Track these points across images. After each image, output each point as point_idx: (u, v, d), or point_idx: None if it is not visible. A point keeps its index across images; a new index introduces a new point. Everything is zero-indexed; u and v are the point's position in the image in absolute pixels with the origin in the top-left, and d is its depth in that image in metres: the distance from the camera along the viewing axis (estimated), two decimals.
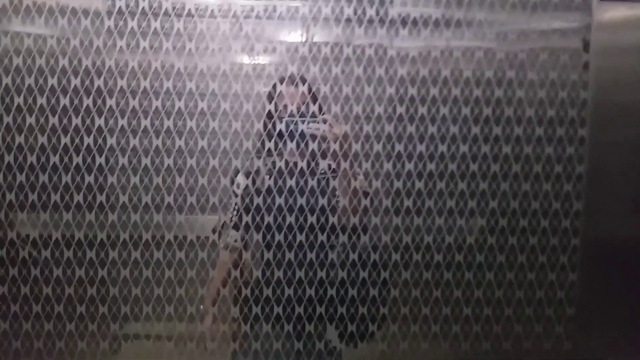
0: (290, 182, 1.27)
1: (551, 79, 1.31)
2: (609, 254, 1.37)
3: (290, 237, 1.28)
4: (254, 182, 1.29)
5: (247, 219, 1.28)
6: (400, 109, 1.28)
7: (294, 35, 1.26)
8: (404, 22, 1.27)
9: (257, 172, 1.29)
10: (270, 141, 1.25)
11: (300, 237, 1.28)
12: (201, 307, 1.30)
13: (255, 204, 1.27)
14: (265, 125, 1.25)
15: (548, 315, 1.36)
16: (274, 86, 1.26)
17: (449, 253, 1.32)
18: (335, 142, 1.24)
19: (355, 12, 1.25)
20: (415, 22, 1.27)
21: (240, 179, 1.30)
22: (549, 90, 1.31)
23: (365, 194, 1.28)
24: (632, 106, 1.35)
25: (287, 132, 1.25)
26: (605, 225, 1.37)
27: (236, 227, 1.31)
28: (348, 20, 1.25)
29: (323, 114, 1.26)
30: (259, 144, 1.26)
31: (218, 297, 1.32)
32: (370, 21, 1.25)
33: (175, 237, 1.26)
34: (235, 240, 1.32)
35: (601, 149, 1.34)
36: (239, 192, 1.30)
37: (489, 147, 1.31)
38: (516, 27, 1.31)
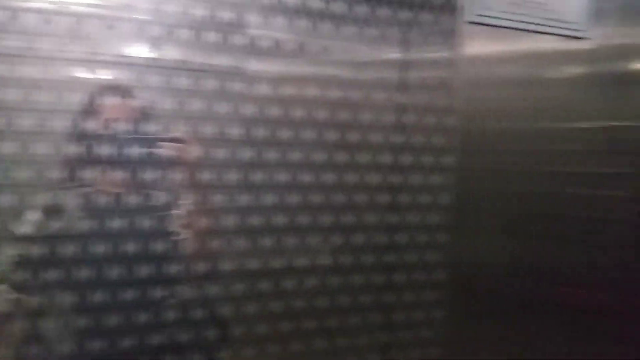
0: (117, 222, 0.98)
1: (420, 104, 1.22)
2: (478, 288, 1.32)
3: (115, 295, 0.98)
4: (61, 222, 0.97)
5: (50, 273, 0.94)
6: (261, 132, 1.08)
7: (130, 40, 1.00)
8: (265, 38, 1.08)
9: (63, 209, 0.97)
10: (88, 167, 0.97)
11: (129, 294, 0.99)
12: None
13: (60, 253, 0.94)
14: (83, 146, 0.96)
15: None
16: (99, 98, 0.98)
17: (312, 297, 1.15)
18: (186, 168, 1.01)
19: (210, 18, 1.03)
20: (276, 41, 1.09)
21: (36, 217, 0.96)
22: (417, 116, 1.22)
23: (216, 233, 1.06)
24: (500, 134, 1.33)
25: (117, 154, 0.98)
26: (473, 257, 1.31)
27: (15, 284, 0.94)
28: (202, 23, 1.03)
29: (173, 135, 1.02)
30: (69, 171, 0.95)
31: None
32: (228, 26, 1.05)
33: None
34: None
35: (469, 177, 1.28)
36: (35, 233, 0.95)
37: (355, 175, 1.17)
38: (382, 53, 1.20)
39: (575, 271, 1.44)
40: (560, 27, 1.34)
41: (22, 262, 0.95)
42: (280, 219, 1.11)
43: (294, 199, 1.12)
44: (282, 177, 1.11)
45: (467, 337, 1.31)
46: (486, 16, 1.26)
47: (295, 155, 1.12)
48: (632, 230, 1.48)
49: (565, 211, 1.41)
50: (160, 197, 1.02)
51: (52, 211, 0.96)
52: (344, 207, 1.16)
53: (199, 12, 1.03)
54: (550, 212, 1.40)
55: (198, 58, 1.02)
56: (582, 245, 1.44)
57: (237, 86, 1.05)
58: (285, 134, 1.11)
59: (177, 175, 1.03)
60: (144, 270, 1.00)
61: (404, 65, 1.22)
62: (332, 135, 1.14)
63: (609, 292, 1.47)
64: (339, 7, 1.14)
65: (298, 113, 1.12)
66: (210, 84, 1.03)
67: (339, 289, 1.17)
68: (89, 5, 0.97)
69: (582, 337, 1.44)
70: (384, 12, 1.17)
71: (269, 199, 1.10)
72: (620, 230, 1.47)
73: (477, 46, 1.28)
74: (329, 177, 1.14)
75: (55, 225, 0.97)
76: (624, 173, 1.46)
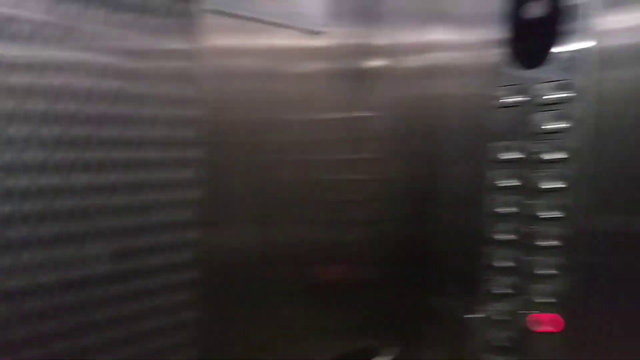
0: None
1: (161, 96, 1.12)
2: (233, 283, 1.30)
3: None
4: None
5: None
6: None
7: None
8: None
9: None
10: None
11: None
12: None
13: None
14: None
15: None
16: None
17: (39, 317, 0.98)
18: None
19: None
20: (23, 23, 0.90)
21: None
22: (159, 108, 1.12)
23: None
24: (249, 126, 1.31)
25: None
26: (226, 252, 1.28)
27: None
28: None
29: None
30: None
31: None
32: None
33: None
34: None
35: (219, 170, 1.24)
36: None
37: (87, 175, 1.02)
38: (119, 40, 1.06)
39: (327, 251, 1.53)
40: (298, 21, 1.38)
41: None
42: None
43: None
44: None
45: (222, 335, 1.28)
46: (224, 4, 1.21)
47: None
48: (375, 209, 1.62)
49: (315, 196, 1.48)
50: None
51: None
52: (71, 211, 1.00)
53: None
54: (301, 199, 1.45)
55: None
56: (333, 225, 1.54)
57: None
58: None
59: None
60: None
61: (143, 53, 1.10)
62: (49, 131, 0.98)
63: (359, 266, 1.61)
64: None
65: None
66: None
67: (70, 306, 1.02)
68: None
69: (339, 309, 1.55)
70: None
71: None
72: (366, 210, 1.60)
73: (222, 38, 1.23)
74: (54, 180, 0.98)
75: None
76: (365, 159, 1.60)
